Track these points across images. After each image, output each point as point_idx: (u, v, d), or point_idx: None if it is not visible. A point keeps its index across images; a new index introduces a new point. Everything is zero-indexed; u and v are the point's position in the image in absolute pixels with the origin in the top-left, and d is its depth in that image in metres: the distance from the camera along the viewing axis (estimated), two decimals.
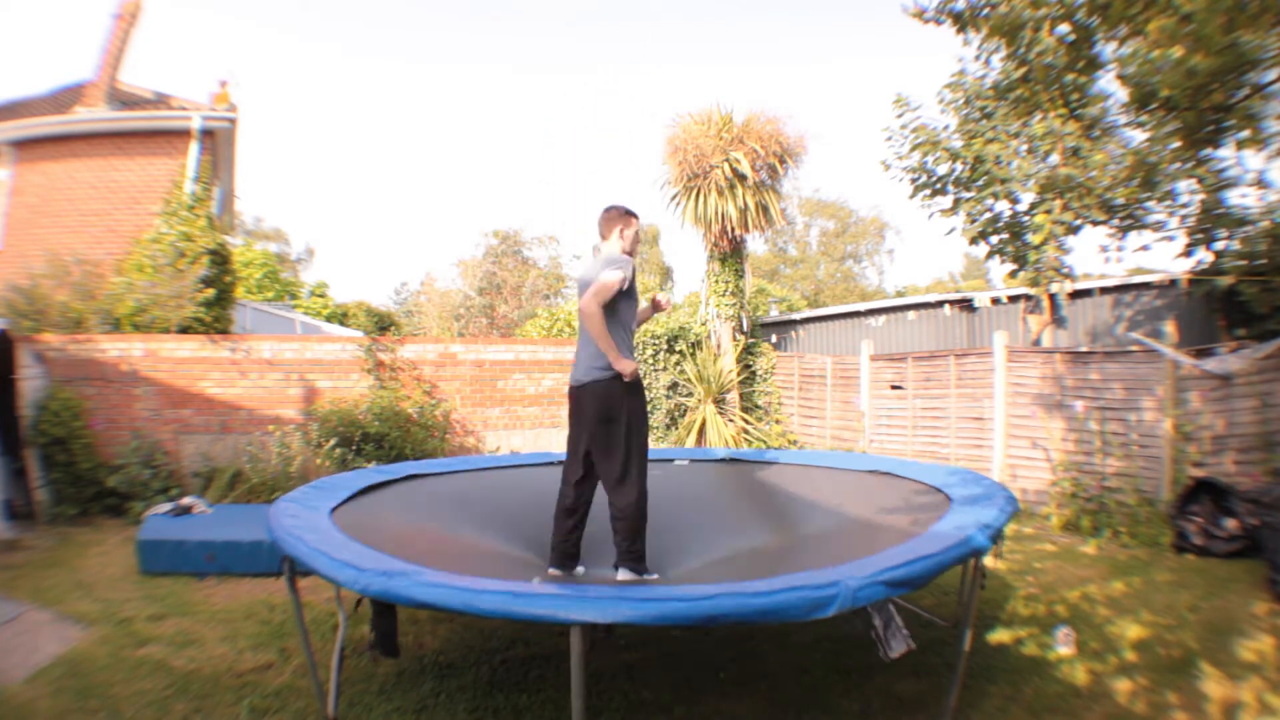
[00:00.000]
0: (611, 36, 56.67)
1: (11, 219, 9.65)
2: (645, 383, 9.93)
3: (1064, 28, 4.29)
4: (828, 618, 2.12)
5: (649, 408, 10.11)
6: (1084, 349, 7.16)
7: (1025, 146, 8.23)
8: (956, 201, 8.74)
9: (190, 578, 4.98)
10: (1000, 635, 3.89)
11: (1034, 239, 8.06)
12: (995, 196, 8.41)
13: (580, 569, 3.61)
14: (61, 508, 6.83)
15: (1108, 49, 4.93)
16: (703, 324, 10.39)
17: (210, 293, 8.46)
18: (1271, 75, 5.04)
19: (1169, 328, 6.45)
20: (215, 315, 8.58)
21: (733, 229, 9.79)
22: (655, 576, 3.44)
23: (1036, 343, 8.61)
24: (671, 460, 5.58)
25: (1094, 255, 46.14)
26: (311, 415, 8.15)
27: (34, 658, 3.57)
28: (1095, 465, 6.51)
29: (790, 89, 54.65)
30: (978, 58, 6.26)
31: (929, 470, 4.49)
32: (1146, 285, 8.46)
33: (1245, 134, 5.71)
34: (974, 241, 8.77)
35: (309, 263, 35.72)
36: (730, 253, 10.20)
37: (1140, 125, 6.79)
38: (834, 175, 56.08)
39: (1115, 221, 7.96)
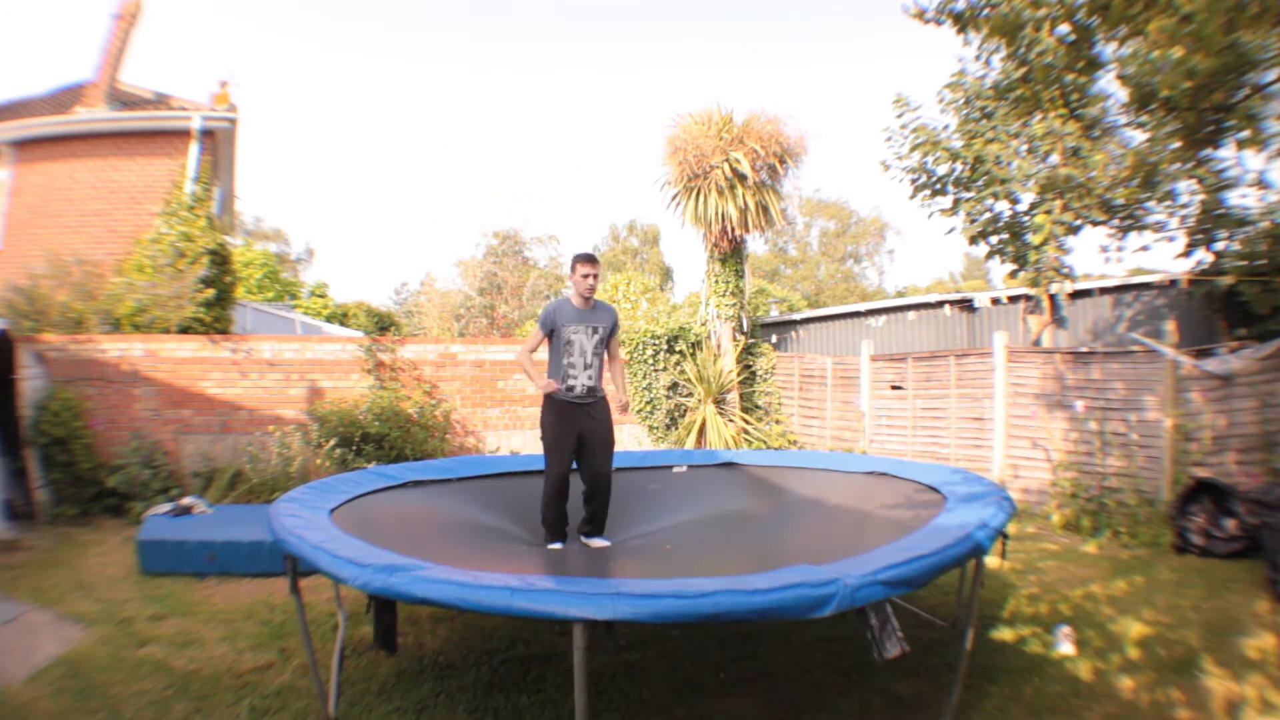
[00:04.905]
0: (612, 37, 56.73)
1: (11, 219, 9.64)
2: (645, 383, 9.98)
3: (1064, 28, 4.28)
4: (827, 617, 2.12)
5: (649, 407, 10.13)
6: (1084, 349, 7.16)
7: (1025, 146, 8.23)
8: (956, 201, 8.74)
9: (190, 578, 4.98)
10: (1001, 634, 3.89)
11: (1034, 239, 8.05)
12: (995, 196, 8.41)
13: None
14: (62, 508, 6.83)
15: (1108, 49, 4.93)
16: (703, 324, 10.39)
17: (210, 293, 8.46)
18: (1271, 75, 5.04)
19: (1169, 328, 6.45)
20: (215, 315, 8.58)
21: (733, 229, 9.79)
22: (556, 547, 4.09)
23: (1036, 343, 8.62)
24: (670, 467, 5.50)
25: (1094, 255, 46.18)
26: (312, 415, 8.15)
27: (34, 658, 3.57)
28: (1095, 465, 6.51)
29: (790, 89, 54.71)
30: (978, 58, 6.25)
31: (928, 470, 4.49)
32: (1147, 285, 8.47)
33: (1245, 134, 5.70)
34: (974, 241, 8.77)
35: (309, 263, 35.72)
36: (730, 253, 10.19)
37: (1140, 125, 6.79)
38: (834, 175, 56.13)
39: (1115, 222, 7.96)
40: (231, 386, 8.15)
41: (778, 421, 10.32)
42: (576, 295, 4.17)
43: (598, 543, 4.14)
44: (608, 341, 4.25)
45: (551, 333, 4.18)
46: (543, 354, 4.39)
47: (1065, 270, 8.15)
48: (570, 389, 4.12)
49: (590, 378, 4.15)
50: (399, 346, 9.00)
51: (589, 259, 4.13)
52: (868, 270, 37.78)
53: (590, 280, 4.11)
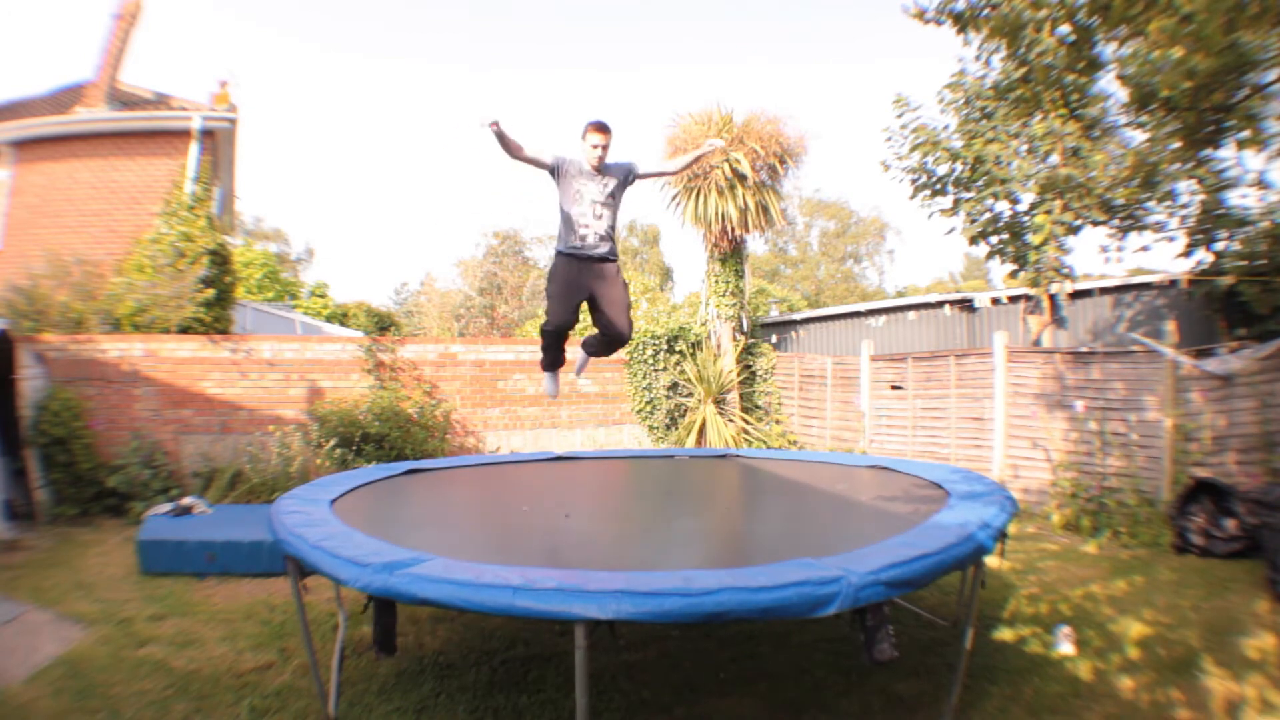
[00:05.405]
0: (611, 37, 56.72)
1: (11, 219, 9.64)
2: (645, 383, 10.00)
3: (1064, 28, 4.29)
4: (828, 616, 2.12)
5: (649, 407, 10.13)
6: (1084, 349, 7.16)
7: (1025, 146, 8.23)
8: (956, 201, 8.73)
9: (190, 578, 4.98)
10: (1002, 634, 3.89)
11: (1034, 239, 8.05)
12: (995, 196, 8.41)
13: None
14: (62, 508, 6.83)
15: (1108, 49, 4.93)
16: (703, 324, 10.39)
17: (210, 293, 8.46)
18: (1271, 75, 5.04)
19: (1169, 328, 6.45)
20: (215, 315, 8.58)
21: (733, 229, 9.79)
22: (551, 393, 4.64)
23: (1036, 343, 8.61)
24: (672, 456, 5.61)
25: (1094, 255, 46.20)
26: (312, 415, 8.15)
27: (34, 658, 3.57)
28: (1095, 465, 6.51)
29: (790, 89, 54.68)
30: (978, 58, 6.24)
31: (928, 468, 4.49)
32: (1147, 285, 8.46)
33: (1245, 134, 5.71)
34: (974, 241, 8.77)
35: (309, 263, 35.68)
36: (730, 253, 10.20)
37: (1140, 125, 6.79)
38: (834, 175, 56.05)
39: (1115, 222, 7.95)
40: (231, 386, 8.15)
41: (778, 421, 10.32)
42: (586, 162, 3.99)
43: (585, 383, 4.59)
44: (627, 184, 4.10)
45: (557, 175, 3.94)
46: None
47: (1065, 270, 8.15)
48: (583, 238, 3.99)
49: (602, 226, 4.01)
50: (399, 346, 9.00)
51: (600, 127, 3.92)
52: (868, 270, 37.80)
53: (599, 151, 3.93)
